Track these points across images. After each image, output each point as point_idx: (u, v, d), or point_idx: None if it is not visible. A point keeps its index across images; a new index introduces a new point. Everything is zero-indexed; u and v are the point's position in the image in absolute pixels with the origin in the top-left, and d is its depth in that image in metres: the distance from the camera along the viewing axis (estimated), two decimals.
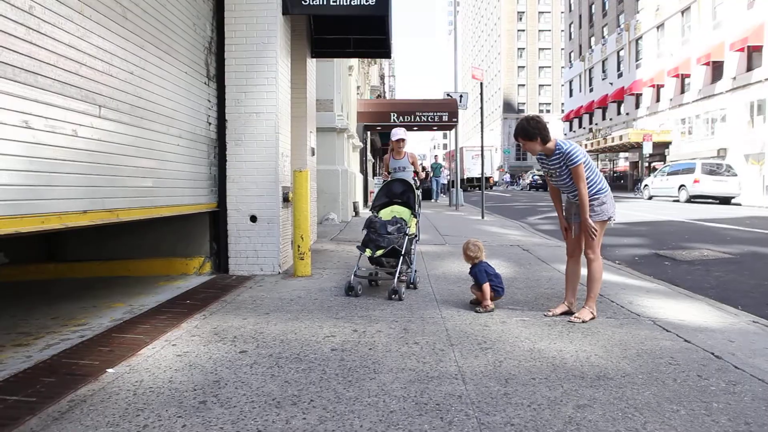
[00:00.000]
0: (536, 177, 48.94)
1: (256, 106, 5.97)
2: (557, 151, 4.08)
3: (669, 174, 25.08)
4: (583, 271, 4.36)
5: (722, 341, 3.58)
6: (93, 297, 4.87)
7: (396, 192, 5.54)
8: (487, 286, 4.38)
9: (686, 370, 3.03)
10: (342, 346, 3.43)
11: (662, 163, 34.92)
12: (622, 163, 47.37)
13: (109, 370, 2.93)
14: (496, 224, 12.59)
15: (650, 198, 26.34)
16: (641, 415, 2.44)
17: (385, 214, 5.39)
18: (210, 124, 5.87)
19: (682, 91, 37.26)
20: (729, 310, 4.59)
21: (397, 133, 6.37)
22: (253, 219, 5.99)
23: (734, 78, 31.25)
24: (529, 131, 4.07)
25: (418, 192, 5.69)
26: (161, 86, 4.71)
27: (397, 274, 4.84)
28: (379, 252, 4.92)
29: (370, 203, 6.32)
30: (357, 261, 5.19)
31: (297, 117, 7.78)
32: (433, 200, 23.62)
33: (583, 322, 4.00)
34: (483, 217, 14.01)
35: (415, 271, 5.33)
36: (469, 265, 4.61)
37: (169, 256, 5.94)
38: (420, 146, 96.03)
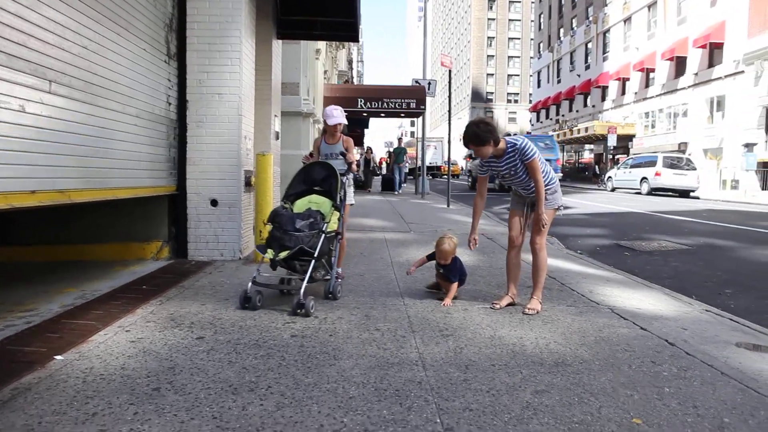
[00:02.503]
0: None
1: (219, 86, 5.84)
2: (509, 149, 4.00)
3: (632, 167, 25.71)
4: (524, 262, 4.41)
5: (676, 329, 3.71)
6: (43, 282, 4.71)
7: (316, 178, 4.57)
8: (455, 286, 4.35)
9: (641, 356, 3.13)
10: (302, 333, 3.41)
11: (626, 155, 35.77)
12: (587, 155, 48.34)
13: (58, 357, 2.85)
14: (461, 213, 12.70)
15: (613, 190, 26.98)
16: (597, 400, 2.51)
17: (300, 205, 4.48)
18: (170, 104, 5.72)
19: (647, 85, 38.18)
20: (684, 299, 4.75)
21: (334, 114, 4.95)
22: (214, 203, 5.88)
23: (696, 74, 32.18)
24: (481, 136, 3.92)
25: (345, 179, 4.75)
26: (118, 63, 4.55)
27: (304, 283, 3.87)
28: (284, 254, 3.92)
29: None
30: (258, 265, 4.21)
31: (261, 100, 7.64)
32: (396, 192, 20.22)
33: (537, 312, 4.04)
34: (449, 206, 14.11)
35: (337, 278, 4.50)
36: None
37: (125, 241, 5.79)
38: (387, 134, 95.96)
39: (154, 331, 3.36)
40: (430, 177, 40.43)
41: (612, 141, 34.91)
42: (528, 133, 57.49)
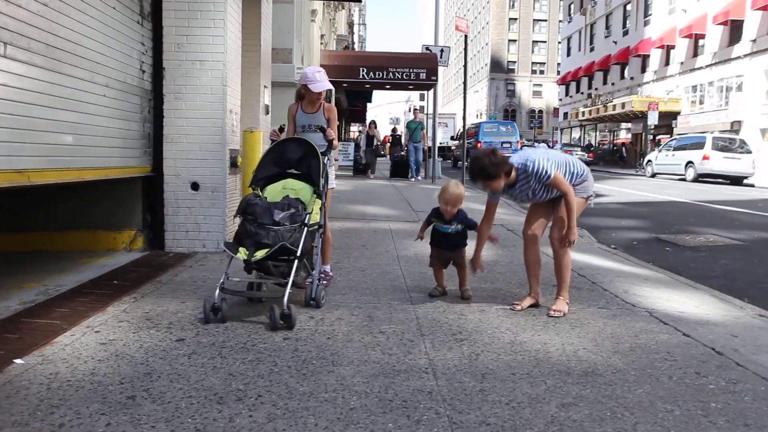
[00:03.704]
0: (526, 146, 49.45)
1: (200, 52, 5.85)
2: (521, 176, 4.00)
3: (675, 149, 25.64)
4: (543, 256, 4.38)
5: (725, 336, 3.72)
6: None
7: (291, 158, 4.26)
8: (464, 256, 4.46)
9: (684, 366, 3.15)
10: (296, 335, 3.45)
11: (668, 136, 35.66)
12: (624, 135, 48.22)
13: (17, 361, 2.89)
14: (478, 200, 12.68)
15: (654, 175, 26.93)
16: (632, 415, 2.53)
17: (273, 192, 4.16)
18: (144, 72, 5.73)
19: (695, 54, 37.94)
20: (734, 302, 4.76)
21: (317, 78, 4.53)
22: (195, 187, 5.91)
23: (754, 40, 31.92)
24: (490, 170, 3.88)
25: (327, 158, 4.45)
26: (84, 23, 4.56)
27: (288, 290, 3.64)
28: (261, 253, 3.68)
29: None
30: (226, 266, 3.85)
31: (249, 68, 7.65)
32: (410, 177, 18.61)
33: (563, 315, 4.06)
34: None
35: (320, 281, 4.28)
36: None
37: (94, 229, 5.83)
38: (393, 108, 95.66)
39: (128, 332, 3.40)
40: (441, 159, 40.06)
41: (653, 119, 34.78)
42: (491, 119, 57.13)
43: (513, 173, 3.97)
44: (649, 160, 28.07)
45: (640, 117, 38.68)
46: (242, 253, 3.71)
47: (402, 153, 20.14)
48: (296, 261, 3.76)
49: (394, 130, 23.48)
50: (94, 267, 5.10)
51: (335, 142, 4.59)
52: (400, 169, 19.26)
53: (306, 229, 3.89)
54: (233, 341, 3.30)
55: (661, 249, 7.76)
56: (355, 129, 46.42)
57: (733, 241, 8.32)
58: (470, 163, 4.10)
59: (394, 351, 3.25)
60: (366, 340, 3.43)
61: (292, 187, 4.21)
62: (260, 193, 4.13)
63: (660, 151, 27.50)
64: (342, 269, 5.35)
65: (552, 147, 46.51)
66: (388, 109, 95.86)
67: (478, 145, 27.60)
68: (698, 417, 2.54)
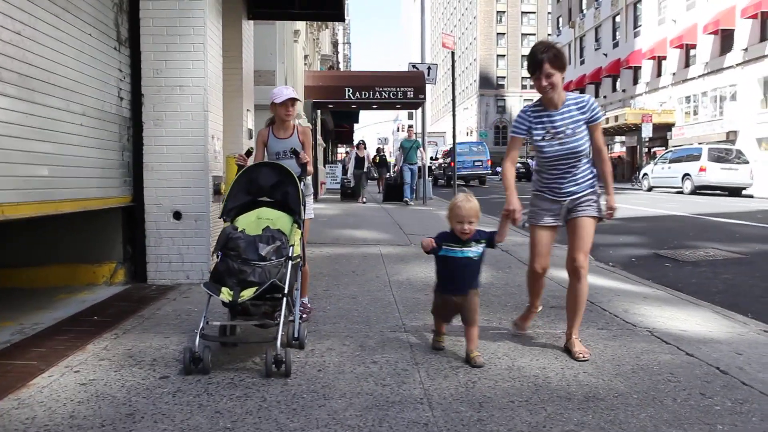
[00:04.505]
0: (518, 165, 49.72)
1: (180, 77, 5.88)
2: (569, 101, 3.73)
3: (671, 161, 25.89)
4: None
5: (729, 354, 3.73)
6: None
7: (263, 185, 3.98)
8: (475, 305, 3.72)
9: (688, 387, 3.14)
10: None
11: (663, 148, 36.01)
12: (618, 149, 48.65)
13: None
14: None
15: (650, 189, 27.13)
16: None
17: (247, 222, 3.85)
18: (122, 99, 5.74)
19: (687, 65, 38.49)
20: (738, 318, 4.77)
21: (283, 93, 4.43)
22: (177, 216, 5.90)
23: (746, 49, 32.48)
24: (563, 58, 3.62)
25: (304, 185, 4.17)
26: (58, 51, 4.57)
27: (280, 330, 3.38)
28: (249, 293, 3.39)
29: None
30: (205, 308, 3.56)
31: (231, 92, 7.69)
32: (407, 200, 17.37)
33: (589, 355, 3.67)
34: None
35: (301, 318, 3.96)
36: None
37: (72, 262, 5.79)
38: (381, 128, 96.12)
39: (109, 371, 3.36)
40: (432, 179, 40.01)
41: (647, 131, 35.20)
42: (481, 136, 57.45)
43: (563, 94, 3.72)
44: (645, 174, 28.29)
45: (634, 129, 39.12)
46: (226, 294, 3.41)
47: (394, 175, 19.05)
48: (284, 299, 3.51)
49: (378, 150, 23.07)
50: (74, 303, 5.05)
51: (309, 167, 4.36)
52: (394, 193, 18.34)
53: (290, 263, 3.67)
54: (220, 377, 3.27)
55: (660, 265, 7.79)
56: (342, 150, 46.55)
57: (734, 255, 8.36)
58: (540, 46, 3.64)
59: (388, 381, 3.23)
60: (358, 370, 3.41)
61: (267, 216, 3.90)
62: (235, 226, 3.82)
63: (656, 163, 27.74)
64: (332, 297, 5.34)
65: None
66: (375, 129, 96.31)
67: (452, 164, 28.38)
68: None
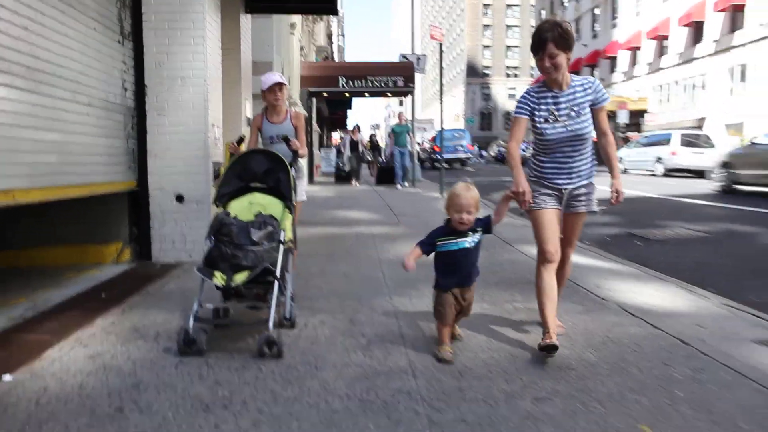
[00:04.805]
0: (502, 149, 49.75)
1: (181, 69, 5.84)
2: (577, 82, 3.41)
3: (645, 145, 25.91)
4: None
5: (692, 326, 3.78)
6: None
7: (256, 171, 3.87)
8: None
9: (652, 358, 3.19)
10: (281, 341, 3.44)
11: (638, 134, 36.05)
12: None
13: (6, 377, 2.88)
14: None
15: (625, 171, 27.15)
16: (603, 408, 2.57)
17: (240, 209, 3.76)
18: (126, 90, 5.70)
19: (661, 55, 38.43)
20: (700, 292, 4.82)
21: (270, 79, 4.38)
22: (180, 199, 5.89)
23: (716, 41, 32.44)
24: (570, 38, 3.29)
25: (295, 169, 4.11)
26: (64, 45, 4.53)
27: (272, 312, 3.30)
28: (241, 277, 3.33)
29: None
30: (198, 293, 3.41)
31: (230, 82, 7.64)
32: (397, 185, 17.02)
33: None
34: (442, 194, 14.18)
35: (292, 299, 3.86)
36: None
37: (81, 243, 5.77)
38: (373, 114, 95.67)
39: (116, 345, 3.39)
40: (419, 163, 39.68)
41: (623, 118, 35.18)
42: (468, 122, 57.70)
43: (568, 76, 3.39)
44: (621, 157, 28.27)
45: (611, 116, 39.05)
46: (219, 278, 3.31)
47: (386, 159, 18.45)
48: (276, 282, 3.39)
49: (371, 136, 22.90)
50: (82, 280, 5.05)
51: (301, 151, 4.29)
52: (386, 176, 17.92)
53: (282, 247, 3.56)
54: (218, 352, 3.29)
55: (632, 243, 7.84)
56: (336, 136, 46.33)
57: (700, 234, 8.43)
58: (545, 25, 3.30)
59: (376, 354, 3.27)
60: (348, 343, 3.44)
61: (259, 202, 3.81)
62: (226, 211, 3.73)
63: (630, 148, 27.76)
64: (326, 274, 5.37)
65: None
66: (368, 115, 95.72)
67: (435, 148, 30.22)
68: (664, 405, 2.58)
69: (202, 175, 5.93)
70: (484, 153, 57.84)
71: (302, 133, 4.39)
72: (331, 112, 31.05)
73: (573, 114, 3.36)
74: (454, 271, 3.29)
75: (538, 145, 3.52)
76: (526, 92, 3.50)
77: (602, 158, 3.61)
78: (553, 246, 3.40)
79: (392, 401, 2.63)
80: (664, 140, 24.36)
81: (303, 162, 4.31)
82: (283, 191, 3.84)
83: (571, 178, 3.47)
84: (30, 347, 3.30)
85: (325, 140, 34.90)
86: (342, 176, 18.68)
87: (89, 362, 3.11)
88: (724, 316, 4.08)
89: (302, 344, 3.42)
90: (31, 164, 4.09)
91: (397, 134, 17.22)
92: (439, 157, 18.79)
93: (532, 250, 4.38)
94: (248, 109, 8.56)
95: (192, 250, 5.90)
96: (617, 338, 3.53)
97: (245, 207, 3.76)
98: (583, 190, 3.52)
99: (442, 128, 16.20)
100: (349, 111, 35.82)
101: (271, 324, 3.24)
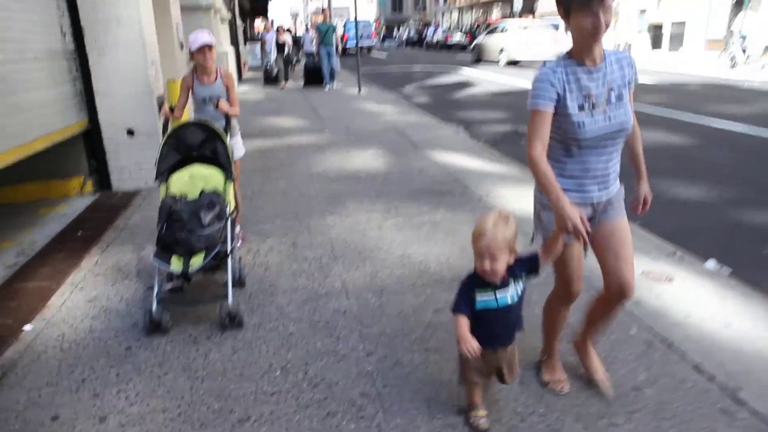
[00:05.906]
0: (412, 34, 48.77)
1: (116, 9, 5.61)
2: (614, 54, 2.22)
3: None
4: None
5: None
6: None
7: (192, 143, 3.52)
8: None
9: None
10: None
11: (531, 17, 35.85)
12: (495, 15, 47.87)
13: (27, 328, 3.11)
14: (372, 99, 12.98)
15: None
16: None
17: (180, 182, 3.42)
18: (65, 33, 5.48)
19: None
20: None
21: (198, 39, 3.92)
22: (131, 133, 5.92)
23: None
24: None
25: (230, 128, 3.93)
26: (5, 7, 4.34)
27: (229, 288, 3.15)
28: (198, 260, 3.12)
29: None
30: (156, 277, 3.17)
31: (161, 10, 7.29)
32: (325, 87, 15.61)
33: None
34: (360, 91, 14.23)
35: (240, 258, 3.78)
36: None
37: (46, 178, 5.79)
38: (292, 6, 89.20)
39: (107, 286, 3.67)
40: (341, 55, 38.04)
41: (518, 4, 34.84)
42: (380, 6, 55.52)
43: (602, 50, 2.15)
44: (502, 49, 26.88)
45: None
46: (176, 264, 3.09)
47: (314, 56, 16.37)
48: (229, 256, 3.26)
49: (293, 36, 21.13)
50: (56, 217, 5.14)
51: (233, 111, 4.03)
52: (314, 77, 16.14)
53: (229, 219, 3.36)
54: (193, 284, 3.42)
55: (518, 141, 8.33)
56: (258, 22, 43.44)
57: None
58: None
59: (316, 276, 3.72)
60: (294, 268, 3.86)
61: (201, 173, 3.44)
62: (169, 186, 3.42)
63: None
64: (266, 193, 5.66)
65: (436, 30, 45.84)
66: (286, 6, 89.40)
67: (344, 37, 32.98)
68: None
69: (149, 109, 5.91)
70: (387, 43, 55.87)
71: (234, 91, 4.12)
72: (253, 3, 29.12)
73: (613, 99, 2.17)
74: (490, 333, 2.19)
75: (564, 144, 2.24)
76: (547, 69, 2.16)
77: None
78: (578, 289, 2.43)
79: (333, 321, 3.13)
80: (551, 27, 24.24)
81: (234, 120, 4.10)
82: (222, 161, 3.53)
83: (607, 186, 2.29)
84: (34, 295, 3.50)
85: (249, 32, 32.98)
86: (271, 78, 17.24)
87: (90, 306, 3.39)
88: None
89: (258, 272, 3.81)
90: None
91: (323, 33, 15.68)
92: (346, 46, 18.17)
93: (436, 154, 4.78)
94: (180, 33, 8.24)
95: (147, 177, 5.99)
96: None
97: (187, 181, 3.42)
98: (617, 195, 2.34)
99: (356, 19, 15.63)
100: (270, 2, 33.50)
101: (230, 300, 3.12)
